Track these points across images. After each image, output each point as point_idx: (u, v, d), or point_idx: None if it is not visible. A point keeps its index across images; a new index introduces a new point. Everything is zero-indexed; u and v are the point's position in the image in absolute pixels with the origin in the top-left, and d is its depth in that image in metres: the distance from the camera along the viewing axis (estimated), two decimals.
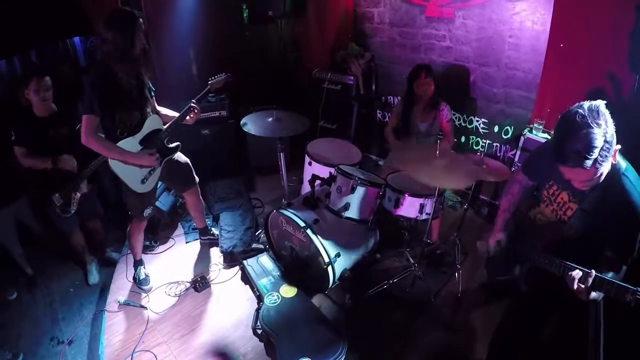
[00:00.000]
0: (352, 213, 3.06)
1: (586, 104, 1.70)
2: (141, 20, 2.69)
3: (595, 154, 1.65)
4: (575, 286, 1.79)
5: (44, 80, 3.09)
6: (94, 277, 3.64)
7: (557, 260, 1.93)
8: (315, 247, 2.97)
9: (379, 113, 5.37)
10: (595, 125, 1.64)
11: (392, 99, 5.16)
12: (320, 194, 3.31)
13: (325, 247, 2.97)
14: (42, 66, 4.15)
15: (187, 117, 3.12)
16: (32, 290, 3.60)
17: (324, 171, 3.47)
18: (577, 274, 1.80)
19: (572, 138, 1.67)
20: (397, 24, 4.85)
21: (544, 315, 2.33)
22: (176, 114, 3.15)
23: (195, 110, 3.12)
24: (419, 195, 3.17)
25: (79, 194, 3.26)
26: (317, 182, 3.21)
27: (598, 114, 1.66)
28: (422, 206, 3.20)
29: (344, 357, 2.63)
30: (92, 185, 3.42)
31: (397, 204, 3.19)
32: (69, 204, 3.21)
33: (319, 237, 2.99)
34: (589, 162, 1.66)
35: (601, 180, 1.81)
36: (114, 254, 3.92)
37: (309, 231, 2.98)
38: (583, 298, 1.79)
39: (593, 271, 1.76)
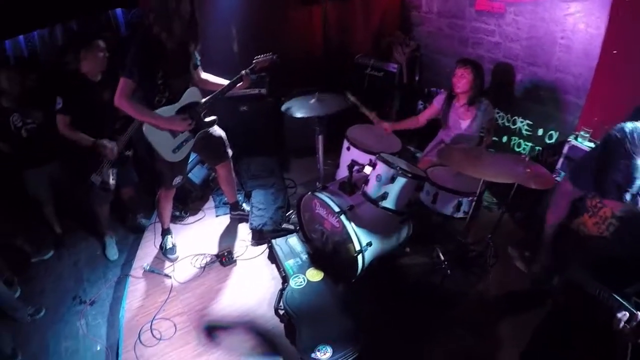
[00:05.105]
0: (389, 203, 2.97)
1: (628, 127, 1.58)
2: None
3: (636, 188, 1.57)
4: (621, 325, 1.63)
5: (99, 43, 3.13)
6: (114, 252, 3.64)
7: (599, 286, 1.78)
8: (348, 233, 2.90)
9: (421, 104, 5.22)
10: (637, 153, 1.53)
11: (435, 91, 5.00)
12: (358, 180, 3.23)
13: (358, 235, 2.90)
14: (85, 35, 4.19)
15: (237, 85, 3.10)
16: (59, 249, 3.64)
17: (362, 157, 3.39)
18: (623, 315, 1.62)
19: (612, 168, 1.59)
20: (446, 15, 4.73)
21: (575, 330, 2.23)
22: (224, 82, 3.12)
23: (247, 80, 3.10)
24: (457, 192, 3.10)
25: (115, 170, 3.29)
26: (356, 167, 3.14)
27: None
28: (459, 203, 3.13)
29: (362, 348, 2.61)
30: (130, 152, 3.45)
31: (435, 198, 3.12)
32: (108, 181, 3.26)
33: (352, 224, 2.91)
34: (627, 196, 1.59)
35: None
36: (143, 221, 3.95)
37: (343, 217, 2.91)
38: (631, 340, 1.64)
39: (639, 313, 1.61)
